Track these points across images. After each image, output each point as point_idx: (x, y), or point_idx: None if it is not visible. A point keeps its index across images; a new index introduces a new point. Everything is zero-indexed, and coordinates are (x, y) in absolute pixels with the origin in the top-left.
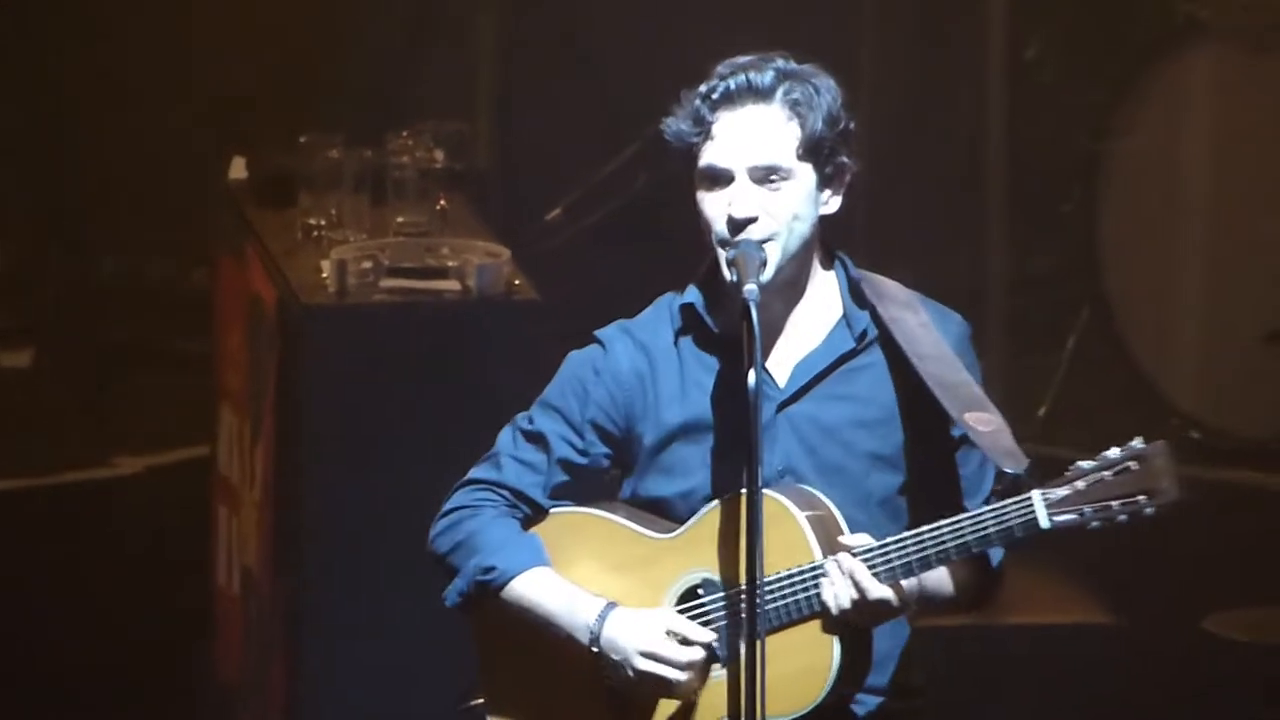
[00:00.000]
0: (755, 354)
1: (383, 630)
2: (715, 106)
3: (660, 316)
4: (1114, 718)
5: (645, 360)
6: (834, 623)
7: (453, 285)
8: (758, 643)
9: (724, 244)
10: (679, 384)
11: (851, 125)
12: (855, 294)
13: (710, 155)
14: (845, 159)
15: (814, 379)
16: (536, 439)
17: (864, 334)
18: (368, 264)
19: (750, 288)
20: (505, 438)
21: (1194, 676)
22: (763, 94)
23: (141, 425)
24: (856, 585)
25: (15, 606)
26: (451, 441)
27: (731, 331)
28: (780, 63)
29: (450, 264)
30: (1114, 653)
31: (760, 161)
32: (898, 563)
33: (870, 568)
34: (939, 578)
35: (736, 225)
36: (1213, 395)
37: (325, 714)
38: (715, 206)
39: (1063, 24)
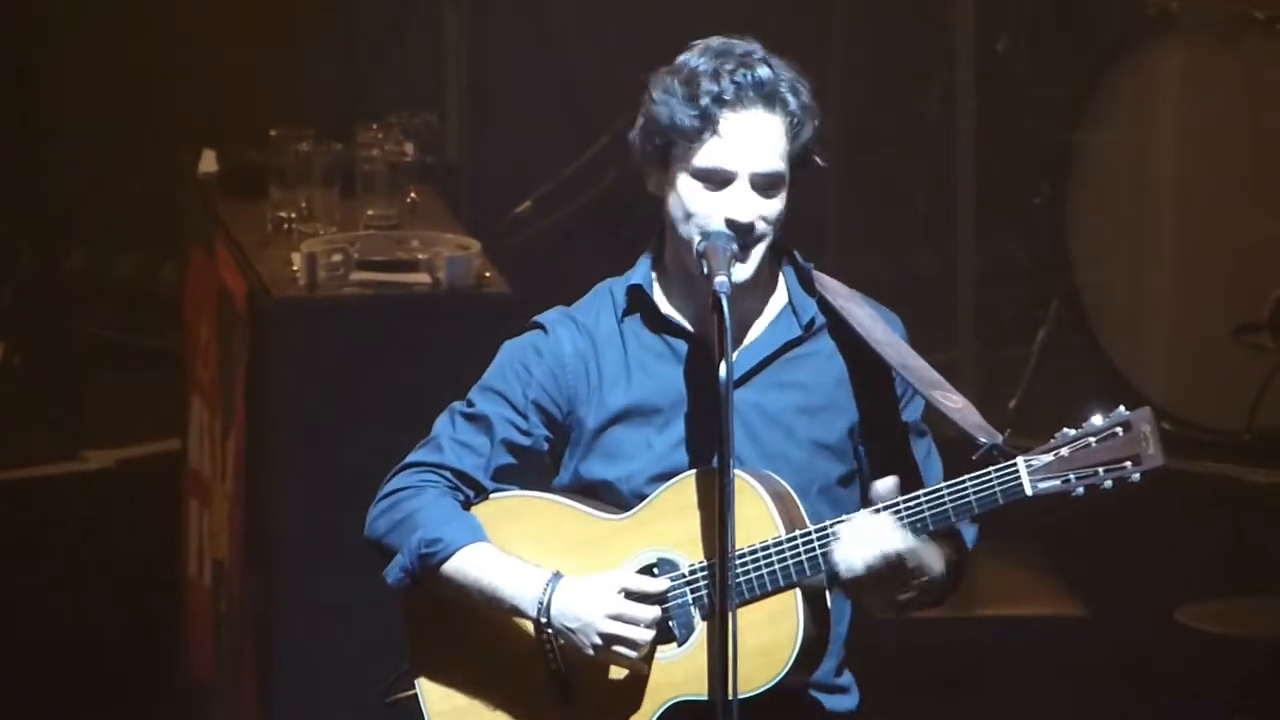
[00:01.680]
0: (727, 346)
1: (354, 623)
2: (723, 105)
3: (602, 302)
4: (1085, 710)
5: (588, 343)
6: (835, 587)
7: (423, 278)
8: (730, 618)
9: (705, 236)
10: (623, 366)
11: (816, 111)
12: (804, 283)
13: (715, 155)
14: (816, 161)
15: (758, 365)
16: (478, 420)
17: (811, 322)
18: (338, 257)
19: (721, 280)
20: (443, 422)
21: (1165, 668)
22: (768, 98)
23: (111, 419)
24: (874, 543)
25: None
26: (422, 434)
27: (678, 314)
28: (775, 62)
29: (420, 257)
30: (1084, 645)
31: (764, 169)
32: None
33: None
34: (932, 554)
35: (740, 229)
36: (1183, 388)
37: (298, 709)
38: (708, 204)
39: (1032, 17)
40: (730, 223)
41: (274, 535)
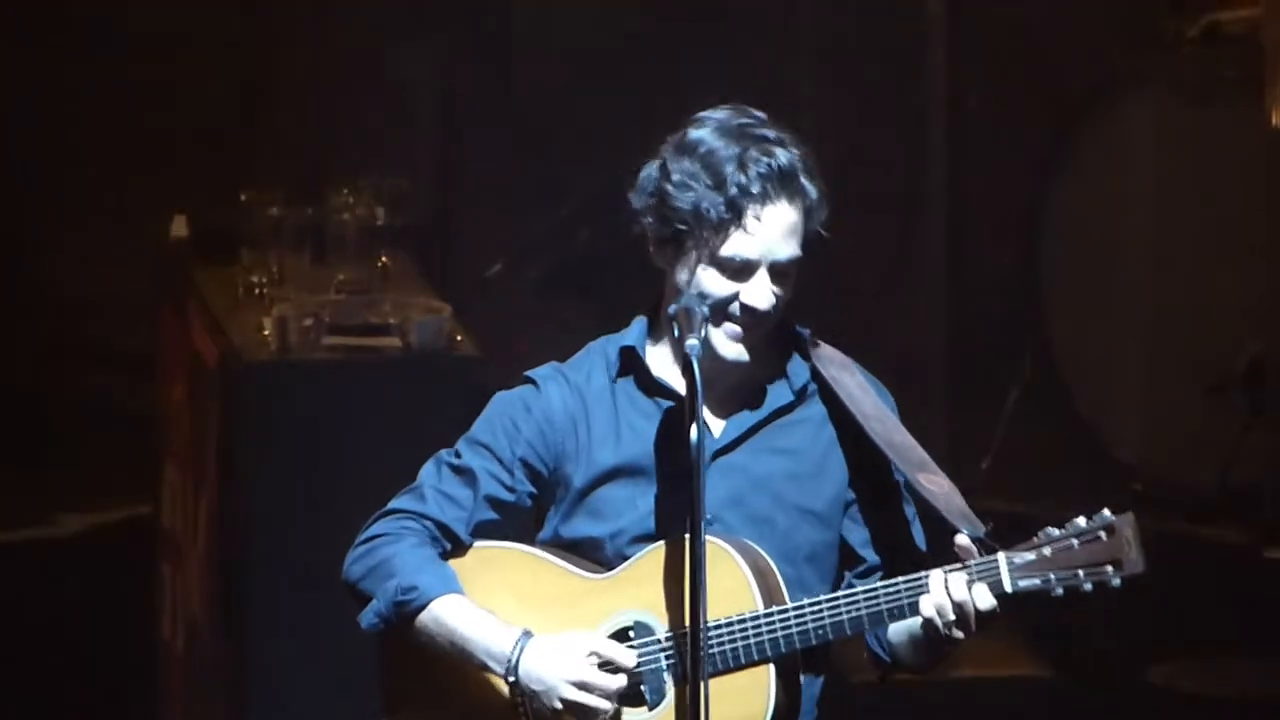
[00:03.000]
0: (699, 409)
1: (326, 685)
2: (750, 198)
3: (594, 361)
4: None
5: (578, 401)
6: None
7: (394, 342)
8: (702, 685)
9: (716, 312)
10: (613, 426)
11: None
12: (799, 349)
13: (739, 246)
14: (825, 211)
15: (749, 430)
16: (463, 473)
17: (803, 389)
18: (309, 321)
19: (692, 343)
20: (429, 471)
21: None
22: (791, 189)
23: (82, 482)
24: (964, 599)
25: None
26: (392, 496)
27: (668, 376)
28: (788, 139)
29: (391, 321)
30: (1055, 706)
31: (783, 258)
32: (846, 616)
33: (841, 614)
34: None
35: (755, 314)
36: (1154, 445)
37: None
38: (726, 289)
39: (1003, 74)
40: (745, 307)
41: (247, 597)
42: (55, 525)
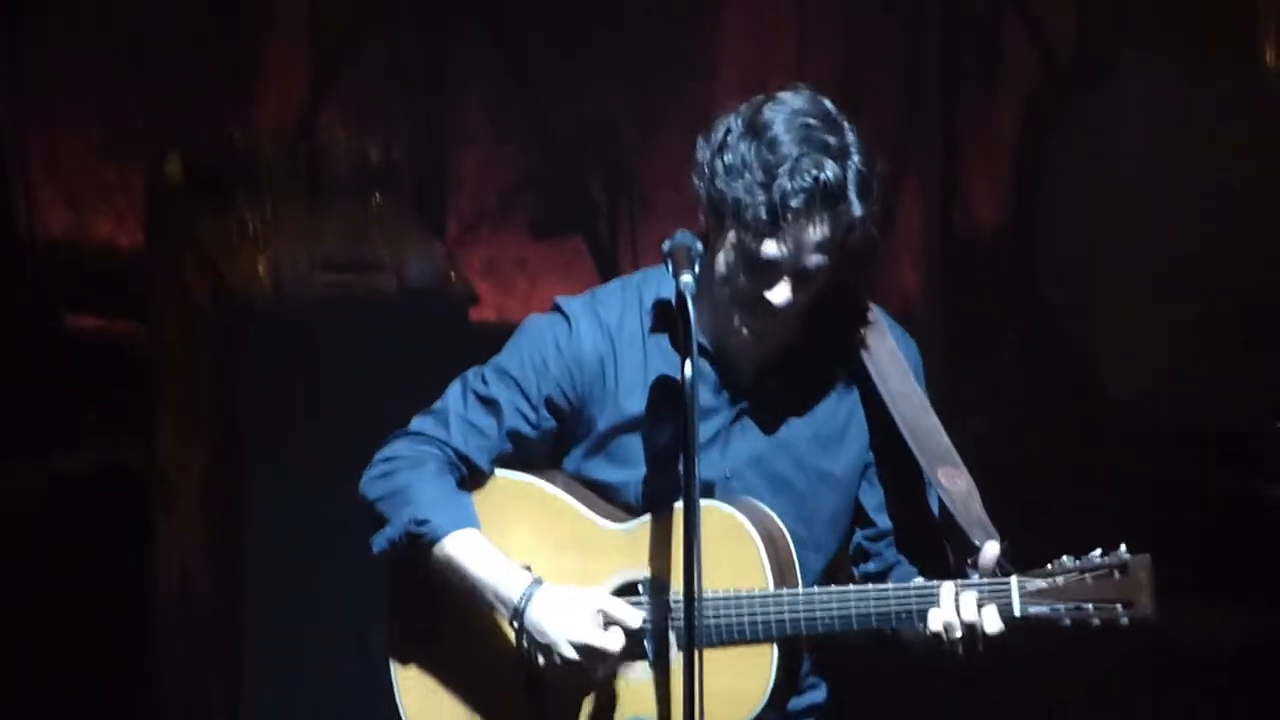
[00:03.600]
0: (692, 346)
1: (323, 625)
2: (790, 209)
3: (628, 301)
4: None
5: (608, 344)
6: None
7: (388, 279)
8: (696, 652)
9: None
10: (642, 375)
11: (878, 201)
12: (830, 311)
13: (769, 249)
14: (871, 227)
15: (775, 390)
16: (489, 404)
17: (833, 353)
18: (303, 260)
19: (686, 279)
20: (455, 396)
21: (1144, 670)
22: (833, 209)
23: (75, 424)
24: (974, 620)
25: None
26: (389, 433)
27: (701, 335)
28: (852, 147)
29: (386, 259)
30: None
31: (810, 266)
32: (855, 611)
33: (849, 609)
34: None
35: (769, 310)
36: (1153, 390)
37: (266, 711)
38: (749, 281)
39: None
40: (761, 300)
41: (242, 538)
42: (46, 468)
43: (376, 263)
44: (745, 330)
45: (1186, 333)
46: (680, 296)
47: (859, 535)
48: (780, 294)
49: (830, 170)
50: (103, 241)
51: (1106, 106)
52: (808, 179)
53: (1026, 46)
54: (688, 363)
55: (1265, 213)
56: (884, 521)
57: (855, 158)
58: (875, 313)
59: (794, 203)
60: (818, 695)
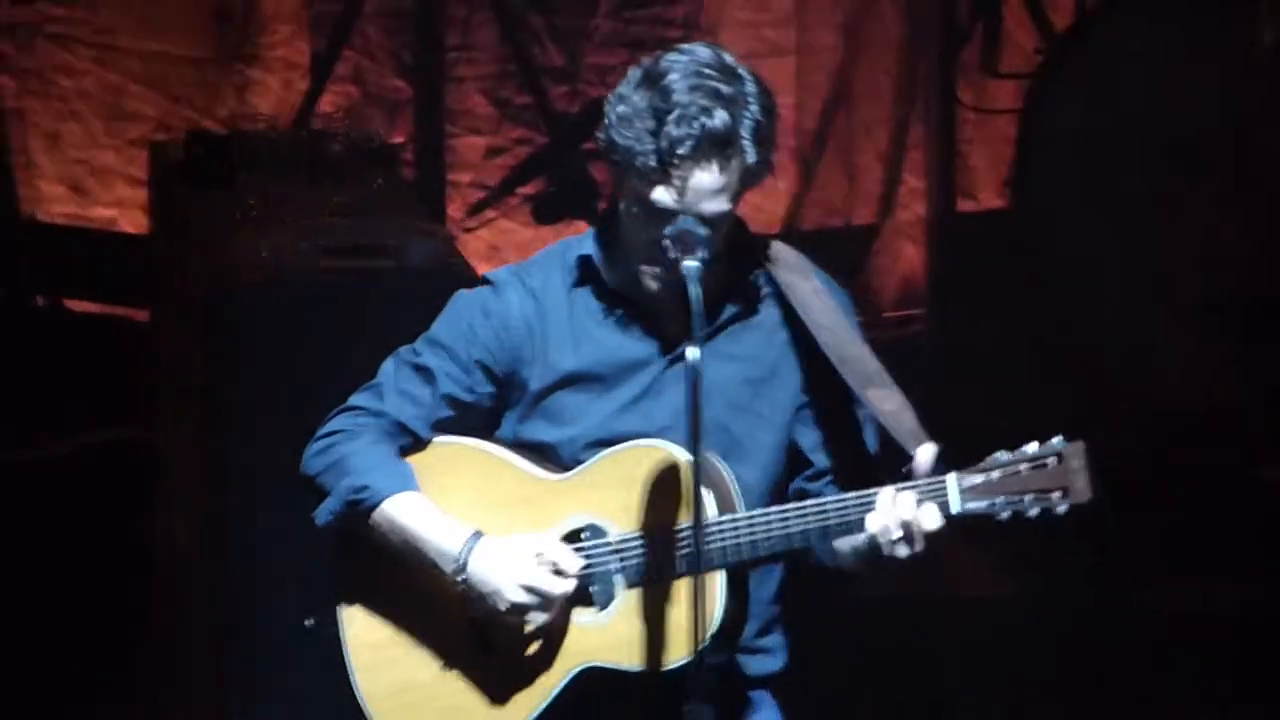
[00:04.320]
0: (698, 328)
1: (319, 604)
2: (678, 156)
3: (552, 263)
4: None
5: (534, 306)
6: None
7: (389, 263)
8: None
9: (673, 224)
10: (569, 332)
11: (775, 147)
12: (752, 254)
13: (662, 195)
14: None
15: (703, 337)
16: (422, 371)
17: (755, 295)
18: (304, 243)
19: (689, 264)
20: (388, 369)
21: (1138, 649)
22: (723, 153)
23: (76, 404)
24: (911, 517)
25: None
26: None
27: (624, 286)
28: (743, 96)
29: (387, 242)
30: (1042, 625)
31: (709, 211)
32: (796, 529)
33: (790, 527)
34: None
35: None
36: (1149, 369)
37: (260, 689)
38: (649, 229)
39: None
40: (664, 247)
41: (237, 521)
42: (45, 448)
43: (378, 247)
44: (655, 282)
45: (1189, 314)
46: (682, 280)
47: (798, 480)
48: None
49: (719, 117)
50: (104, 225)
51: (1106, 83)
52: (695, 125)
53: (1027, 20)
54: (693, 348)
55: (1270, 196)
56: (821, 460)
57: (752, 106)
58: (798, 257)
59: (680, 150)
60: (774, 663)
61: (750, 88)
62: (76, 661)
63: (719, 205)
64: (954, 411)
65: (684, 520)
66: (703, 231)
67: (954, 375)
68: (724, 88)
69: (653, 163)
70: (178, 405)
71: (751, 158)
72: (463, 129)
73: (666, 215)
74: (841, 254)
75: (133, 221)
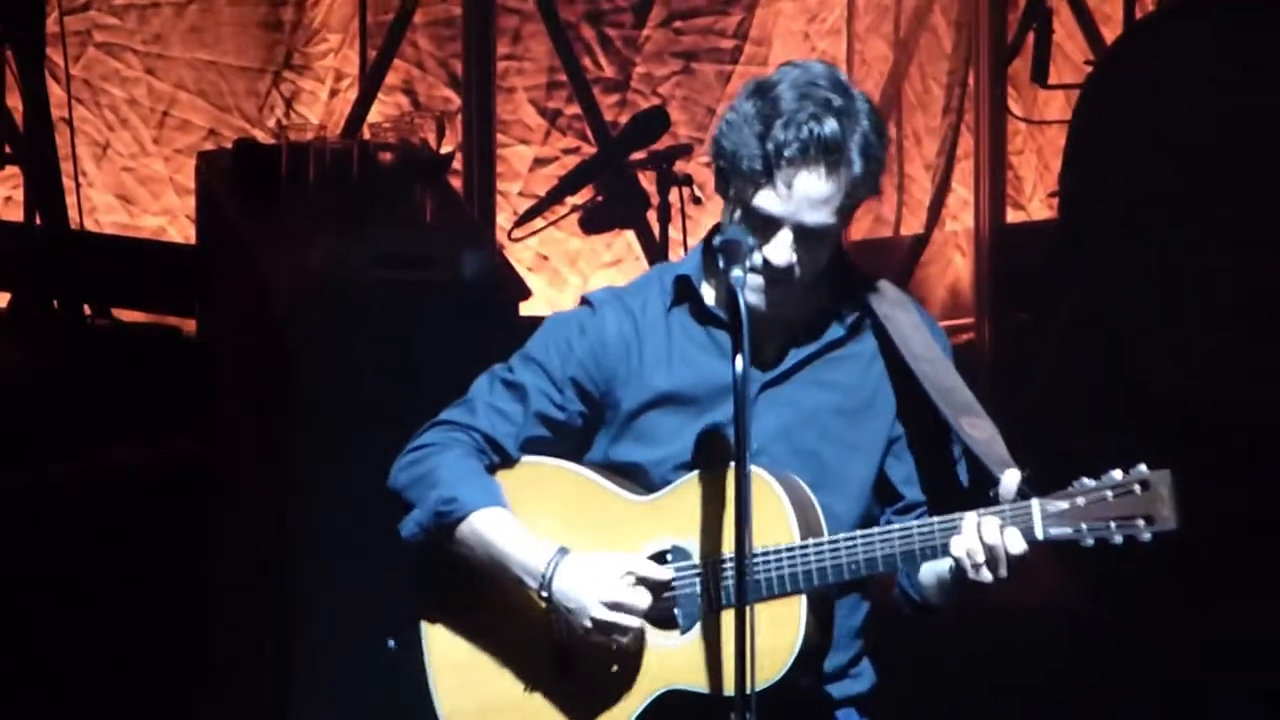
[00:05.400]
0: (744, 339)
1: (377, 616)
2: (785, 159)
3: (650, 288)
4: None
5: (632, 326)
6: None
7: (440, 273)
8: (747, 613)
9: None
10: (665, 353)
11: (883, 166)
12: (852, 284)
13: (767, 202)
14: (875, 192)
15: (799, 364)
16: (515, 388)
17: (855, 324)
18: (354, 253)
19: (737, 274)
20: (481, 385)
21: (1178, 665)
22: (830, 161)
23: (132, 417)
24: (995, 542)
25: (8, 605)
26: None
27: (723, 307)
28: (854, 109)
29: (436, 252)
30: (1095, 641)
31: (810, 224)
32: (880, 553)
33: (875, 550)
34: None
35: (771, 270)
36: (1197, 375)
37: (316, 703)
38: (753, 236)
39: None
40: (766, 263)
41: (296, 530)
42: (103, 460)
43: (427, 257)
44: (754, 298)
45: (1243, 325)
46: (732, 291)
47: (888, 512)
48: (780, 252)
49: (829, 126)
50: (153, 234)
51: (1155, 94)
52: (804, 131)
53: (1077, 32)
54: (739, 358)
55: None
56: (913, 494)
57: (863, 122)
58: (899, 292)
59: (788, 152)
60: (860, 685)
61: (862, 105)
62: (131, 680)
63: (823, 217)
64: (1001, 420)
65: (770, 544)
66: (750, 242)
67: (1001, 386)
68: (835, 99)
69: (759, 165)
70: (230, 417)
71: (859, 169)
72: (512, 139)
73: (768, 224)
74: (890, 264)
75: (181, 231)
